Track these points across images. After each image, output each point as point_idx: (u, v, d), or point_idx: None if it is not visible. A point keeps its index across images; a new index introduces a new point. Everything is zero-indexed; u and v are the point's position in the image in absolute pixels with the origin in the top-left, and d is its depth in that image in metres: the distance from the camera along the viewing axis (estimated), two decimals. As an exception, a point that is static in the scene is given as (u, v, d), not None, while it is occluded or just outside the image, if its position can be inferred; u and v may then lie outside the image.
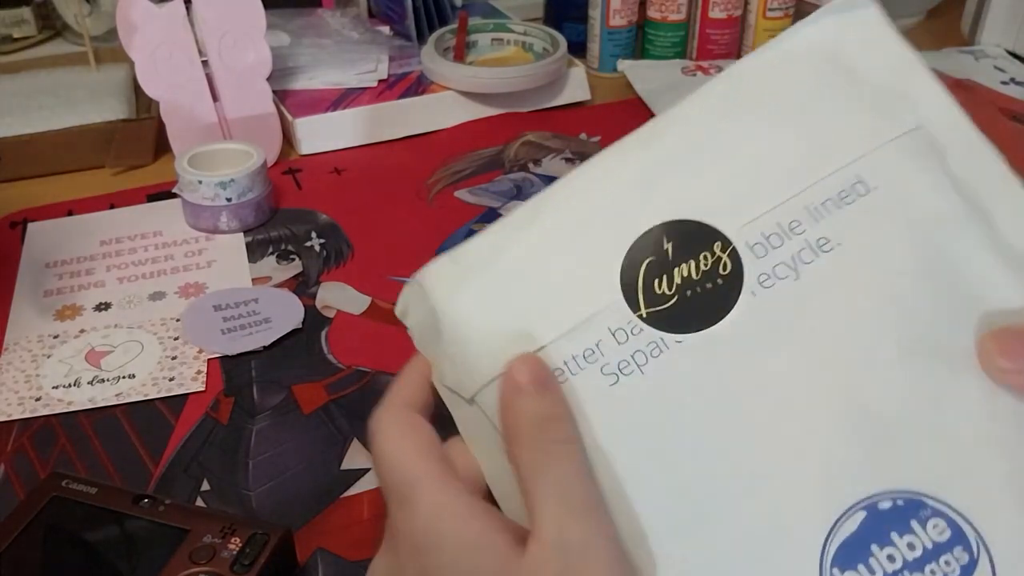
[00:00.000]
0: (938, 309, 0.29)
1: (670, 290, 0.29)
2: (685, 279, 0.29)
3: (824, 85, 0.31)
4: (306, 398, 0.48)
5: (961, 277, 0.29)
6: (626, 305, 0.29)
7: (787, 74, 0.31)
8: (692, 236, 0.30)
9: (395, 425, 0.31)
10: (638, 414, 0.29)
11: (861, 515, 0.28)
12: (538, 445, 0.28)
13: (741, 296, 0.29)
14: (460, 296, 0.31)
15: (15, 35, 0.84)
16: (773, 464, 0.28)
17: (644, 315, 0.29)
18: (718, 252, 0.29)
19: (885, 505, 0.28)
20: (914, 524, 0.28)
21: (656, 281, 0.29)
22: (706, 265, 0.29)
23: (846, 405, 0.28)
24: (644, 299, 0.29)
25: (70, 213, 0.65)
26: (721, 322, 0.29)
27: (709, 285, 0.29)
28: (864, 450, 0.28)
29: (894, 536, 0.27)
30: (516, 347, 0.29)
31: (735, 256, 0.29)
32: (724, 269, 0.29)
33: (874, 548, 0.27)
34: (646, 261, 0.30)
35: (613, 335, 0.29)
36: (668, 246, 0.30)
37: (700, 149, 0.31)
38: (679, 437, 0.29)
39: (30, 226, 0.63)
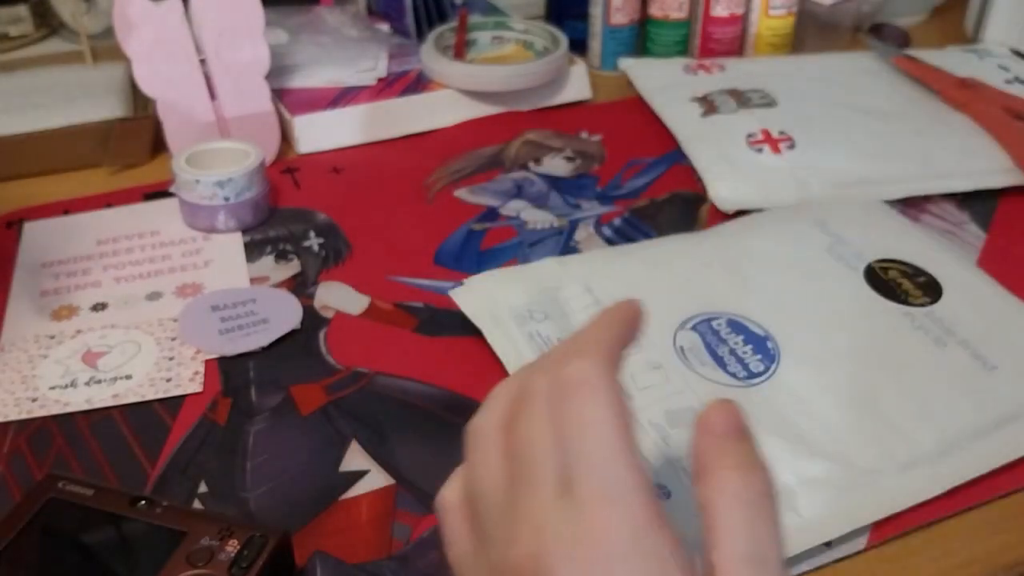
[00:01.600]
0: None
1: None
2: None
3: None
4: (304, 399, 0.48)
5: None
6: None
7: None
8: None
9: (611, 406, 0.27)
10: None
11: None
12: (735, 502, 0.26)
13: None
14: None
15: (11, 33, 0.84)
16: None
17: None
18: None
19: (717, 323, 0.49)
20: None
21: None
22: None
23: None
24: None
25: (66, 212, 0.64)
26: None
27: None
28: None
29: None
30: None
31: None
32: None
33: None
34: None
35: None
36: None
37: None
38: None
39: (26, 225, 0.63)
